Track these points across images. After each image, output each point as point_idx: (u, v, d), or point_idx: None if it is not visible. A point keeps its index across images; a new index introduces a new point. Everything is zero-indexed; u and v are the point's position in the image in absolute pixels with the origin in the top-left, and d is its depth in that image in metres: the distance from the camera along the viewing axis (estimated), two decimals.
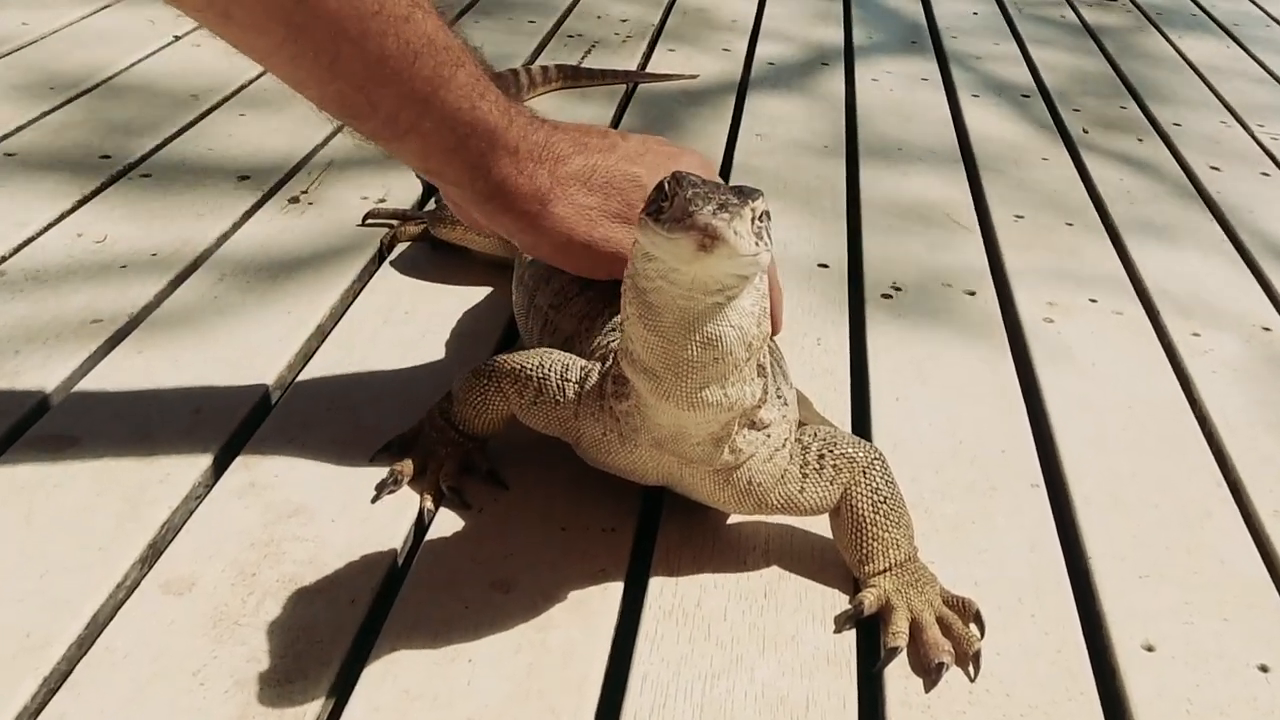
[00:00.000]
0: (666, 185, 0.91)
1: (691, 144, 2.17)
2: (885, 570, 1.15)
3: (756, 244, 0.90)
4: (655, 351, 0.99)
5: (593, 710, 1.02)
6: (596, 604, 1.13)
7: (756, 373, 1.04)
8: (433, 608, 1.10)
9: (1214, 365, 1.66)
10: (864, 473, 1.15)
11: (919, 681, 1.09)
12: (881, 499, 1.15)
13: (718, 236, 0.86)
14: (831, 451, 1.15)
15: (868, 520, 1.15)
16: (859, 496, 1.15)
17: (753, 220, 0.89)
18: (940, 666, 1.09)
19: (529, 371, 1.19)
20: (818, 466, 1.15)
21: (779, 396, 1.12)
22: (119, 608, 1.07)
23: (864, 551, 1.16)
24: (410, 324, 1.53)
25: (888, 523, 1.15)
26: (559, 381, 1.18)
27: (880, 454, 1.17)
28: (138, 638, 1.04)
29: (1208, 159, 2.50)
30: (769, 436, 1.11)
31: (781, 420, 1.12)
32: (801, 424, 1.19)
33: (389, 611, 1.09)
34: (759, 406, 1.07)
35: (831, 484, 1.15)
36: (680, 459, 1.12)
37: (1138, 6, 3.71)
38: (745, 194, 0.90)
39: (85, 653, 1.02)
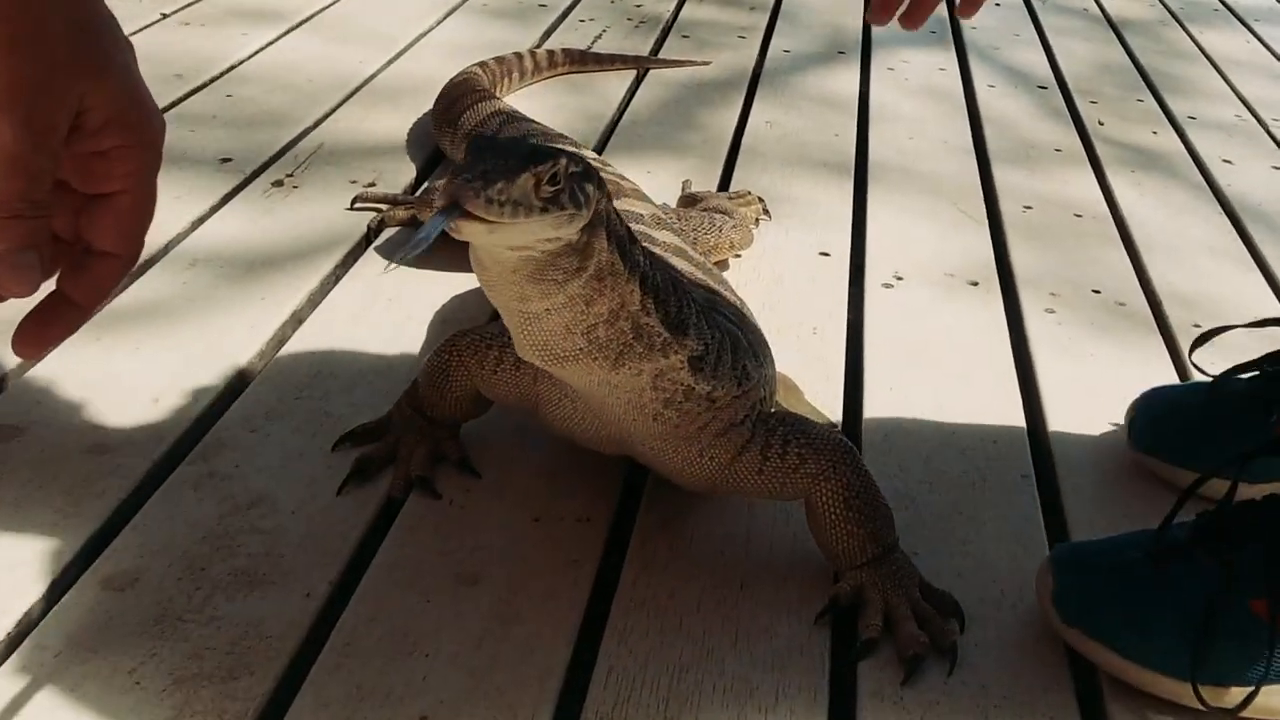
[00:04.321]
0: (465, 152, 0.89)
1: (700, 129, 2.17)
2: (863, 565, 1.12)
3: (544, 212, 0.87)
4: (497, 304, 0.98)
5: (552, 706, 0.99)
6: (565, 596, 1.10)
7: (649, 340, 1.01)
8: (393, 601, 1.07)
9: (1215, 357, 1.62)
10: (833, 467, 1.11)
11: (893, 674, 1.06)
12: (854, 494, 1.12)
13: (464, 202, 0.83)
14: (798, 439, 1.12)
15: (840, 516, 1.12)
16: (830, 492, 1.12)
17: (537, 186, 0.86)
18: (915, 659, 1.06)
19: (489, 340, 1.18)
20: (780, 451, 1.11)
21: (735, 369, 1.08)
22: (53, 605, 1.03)
23: (839, 547, 1.13)
24: (392, 311, 1.50)
25: (861, 518, 1.11)
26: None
27: (851, 448, 1.14)
28: (72, 636, 1.00)
29: (1220, 152, 2.46)
30: (714, 404, 1.08)
31: (738, 396, 1.09)
32: (779, 408, 1.16)
33: (346, 605, 1.06)
34: (684, 371, 1.04)
35: (794, 472, 1.11)
36: (616, 421, 1.10)
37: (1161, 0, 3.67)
38: (530, 160, 0.87)
39: (12, 652, 0.98)
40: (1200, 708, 1.03)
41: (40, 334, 0.91)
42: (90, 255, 0.91)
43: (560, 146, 0.91)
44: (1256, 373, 1.35)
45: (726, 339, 1.08)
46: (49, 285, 0.90)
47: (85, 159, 0.88)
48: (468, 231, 0.85)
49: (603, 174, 1.61)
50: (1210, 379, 1.38)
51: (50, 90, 0.84)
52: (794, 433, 1.12)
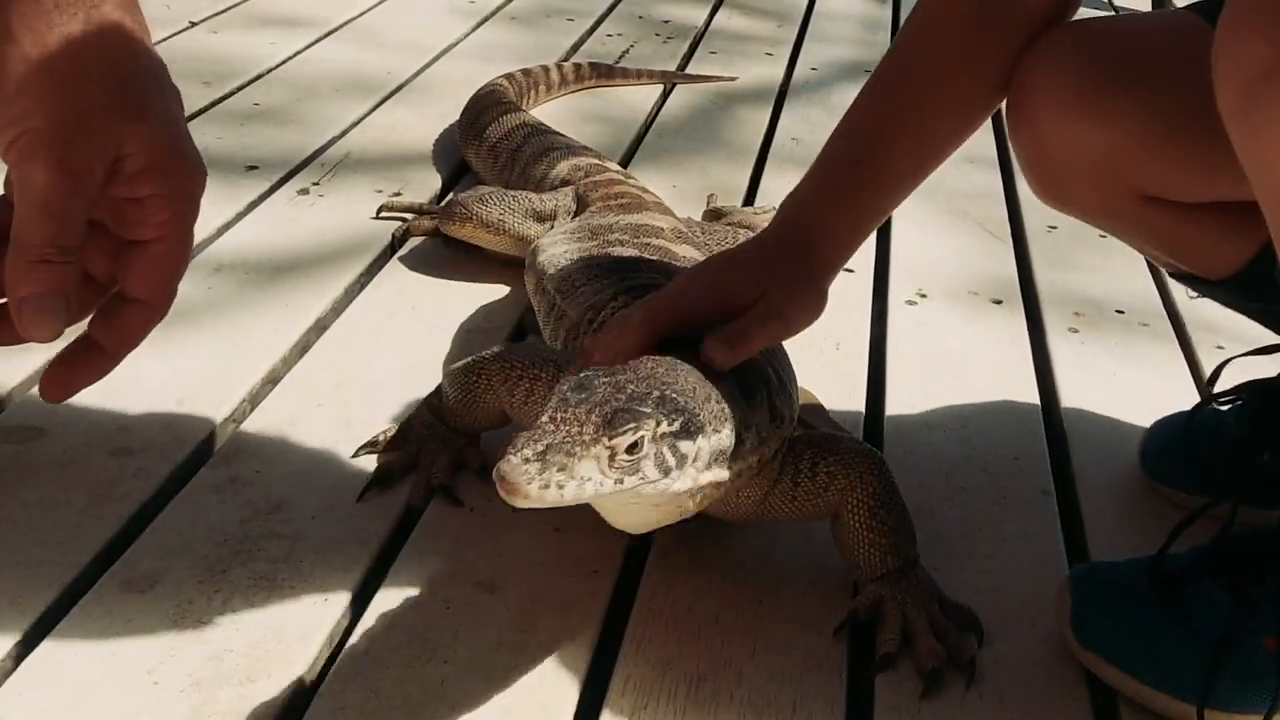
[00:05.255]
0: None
1: (726, 144, 2.17)
2: (883, 576, 1.11)
3: (618, 484, 0.87)
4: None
5: (570, 714, 0.99)
6: (584, 605, 1.10)
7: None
8: (412, 607, 1.07)
9: (1236, 378, 1.61)
10: (860, 477, 1.11)
11: (910, 686, 1.06)
12: (879, 503, 1.11)
13: (515, 492, 0.83)
14: (825, 459, 1.11)
15: (864, 524, 1.11)
16: (856, 502, 1.11)
17: (612, 457, 0.87)
18: (934, 673, 1.05)
19: (520, 369, 1.17)
20: (810, 474, 1.11)
21: (774, 420, 1.08)
22: (72, 605, 1.03)
23: (860, 556, 1.12)
24: (415, 320, 1.50)
25: (885, 528, 1.11)
26: (550, 383, 1.14)
27: (879, 457, 1.13)
28: (91, 636, 1.00)
29: None
30: (742, 460, 1.04)
31: (771, 439, 1.07)
32: (802, 426, 1.16)
33: (364, 611, 1.06)
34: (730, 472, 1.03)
35: (826, 490, 1.11)
36: None
37: None
38: (607, 425, 0.87)
39: (32, 650, 0.98)
40: None
41: (68, 378, 0.91)
42: (122, 301, 0.91)
43: (658, 397, 0.92)
44: (1239, 399, 1.34)
45: (765, 391, 1.07)
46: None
47: (120, 204, 0.88)
48: (522, 502, 0.84)
49: (625, 187, 1.60)
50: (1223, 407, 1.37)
51: (87, 135, 0.83)
52: (821, 452, 1.12)
